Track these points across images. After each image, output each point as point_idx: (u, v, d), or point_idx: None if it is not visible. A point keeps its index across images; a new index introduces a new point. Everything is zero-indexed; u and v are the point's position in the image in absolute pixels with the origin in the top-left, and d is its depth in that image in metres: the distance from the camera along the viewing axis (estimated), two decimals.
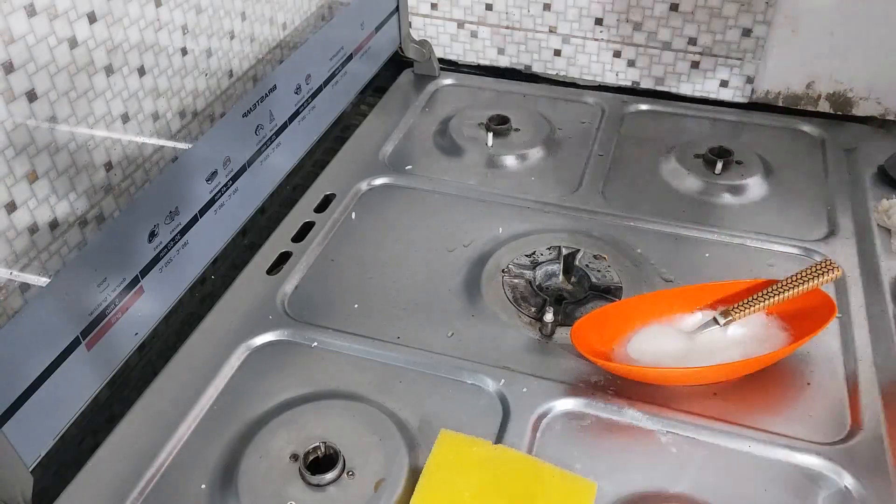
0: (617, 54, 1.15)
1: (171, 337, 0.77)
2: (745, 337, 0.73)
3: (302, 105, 0.93)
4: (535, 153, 1.02)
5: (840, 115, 1.09)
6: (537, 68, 1.20)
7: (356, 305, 0.79)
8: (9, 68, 0.57)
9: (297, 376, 0.71)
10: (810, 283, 0.71)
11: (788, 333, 0.72)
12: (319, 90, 0.97)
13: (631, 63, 1.15)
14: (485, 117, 1.06)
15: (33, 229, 0.63)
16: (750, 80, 1.10)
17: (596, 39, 1.14)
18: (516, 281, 0.81)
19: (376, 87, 1.17)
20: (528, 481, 0.59)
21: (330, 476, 0.60)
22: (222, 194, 0.80)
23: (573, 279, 0.82)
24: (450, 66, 1.23)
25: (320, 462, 0.62)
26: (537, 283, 0.81)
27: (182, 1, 0.75)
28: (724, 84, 1.12)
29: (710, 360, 0.69)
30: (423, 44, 1.18)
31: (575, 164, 1.00)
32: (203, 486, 0.62)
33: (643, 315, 0.74)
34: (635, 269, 0.83)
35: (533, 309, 0.78)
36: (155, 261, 0.71)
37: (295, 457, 0.62)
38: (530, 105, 1.13)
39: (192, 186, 0.75)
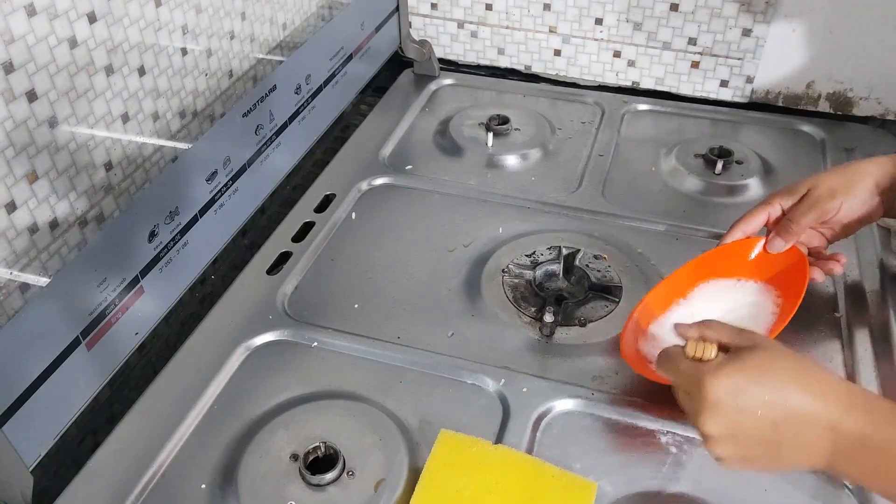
0: (617, 54, 1.15)
1: (171, 337, 0.77)
2: (742, 305, 0.73)
3: (302, 105, 0.93)
4: (535, 153, 1.02)
5: (840, 115, 1.09)
6: (537, 68, 1.20)
7: (356, 305, 0.79)
8: (9, 68, 0.57)
9: (297, 376, 0.71)
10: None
11: (776, 294, 0.73)
12: (319, 90, 0.97)
13: (631, 63, 1.15)
14: (485, 117, 1.06)
15: (33, 229, 0.63)
16: (750, 80, 1.10)
17: (596, 39, 1.14)
18: (516, 281, 0.81)
19: (376, 87, 1.17)
20: (528, 481, 0.59)
21: (330, 476, 0.60)
22: (222, 194, 0.80)
23: (573, 279, 0.82)
24: (450, 66, 1.23)
25: (320, 462, 0.62)
26: (537, 283, 0.81)
27: (182, 1, 0.75)
28: (724, 84, 1.12)
29: None
30: (423, 44, 1.18)
31: (575, 164, 1.00)
32: (203, 486, 0.62)
33: (663, 301, 0.74)
34: (635, 269, 0.82)
35: (533, 309, 0.78)
36: (155, 261, 0.71)
37: (295, 457, 0.62)
38: (530, 105, 1.13)
39: (192, 186, 0.75)
